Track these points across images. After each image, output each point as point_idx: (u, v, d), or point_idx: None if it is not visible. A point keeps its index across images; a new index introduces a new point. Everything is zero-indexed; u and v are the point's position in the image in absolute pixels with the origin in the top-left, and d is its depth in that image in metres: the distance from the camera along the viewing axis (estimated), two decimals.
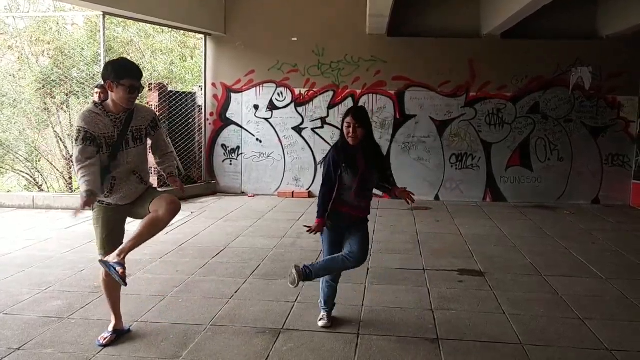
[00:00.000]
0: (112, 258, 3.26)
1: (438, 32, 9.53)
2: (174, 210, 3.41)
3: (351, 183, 3.70)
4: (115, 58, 3.61)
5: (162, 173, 3.89)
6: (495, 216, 8.33)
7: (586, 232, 7.32)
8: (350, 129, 3.63)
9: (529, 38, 9.34)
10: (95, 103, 3.47)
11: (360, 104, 9.74)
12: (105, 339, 3.60)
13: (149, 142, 3.68)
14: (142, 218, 3.48)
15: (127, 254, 3.32)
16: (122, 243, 3.52)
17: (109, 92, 3.37)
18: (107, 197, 3.48)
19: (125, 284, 3.27)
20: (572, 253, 6.15)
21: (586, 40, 9.35)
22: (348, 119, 3.65)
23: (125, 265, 3.26)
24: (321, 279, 3.96)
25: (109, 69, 3.32)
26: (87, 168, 3.27)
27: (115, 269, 3.19)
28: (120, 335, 3.68)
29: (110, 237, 3.55)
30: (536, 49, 9.42)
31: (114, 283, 3.50)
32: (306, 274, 3.72)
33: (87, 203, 3.23)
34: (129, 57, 11.69)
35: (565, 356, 3.55)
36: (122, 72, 3.30)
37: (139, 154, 3.53)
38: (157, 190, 3.71)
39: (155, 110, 8.28)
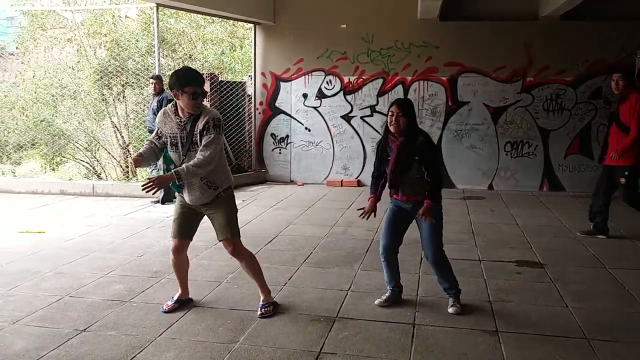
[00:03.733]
0: (261, 301, 3.95)
1: (492, 16, 9.19)
2: (236, 253, 3.88)
3: (387, 170, 3.95)
4: (179, 68, 3.86)
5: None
6: (553, 206, 8.02)
7: None
8: (393, 118, 3.80)
9: (590, 20, 8.87)
10: (173, 102, 3.69)
11: (411, 91, 9.57)
12: (168, 307, 3.95)
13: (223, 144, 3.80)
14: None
15: (266, 289, 3.99)
16: (189, 236, 3.90)
17: (176, 100, 3.62)
18: (181, 194, 3.77)
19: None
20: (638, 245, 5.86)
21: None
22: (392, 109, 3.84)
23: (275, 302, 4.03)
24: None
25: (174, 79, 3.55)
26: (145, 145, 3.74)
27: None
28: (182, 305, 3.99)
29: (177, 225, 3.87)
30: (598, 31, 8.92)
31: (181, 263, 3.97)
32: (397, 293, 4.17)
33: (134, 162, 3.64)
34: (181, 48, 11.97)
35: (635, 352, 3.38)
36: (185, 81, 3.51)
37: None
38: (222, 211, 3.76)
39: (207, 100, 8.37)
